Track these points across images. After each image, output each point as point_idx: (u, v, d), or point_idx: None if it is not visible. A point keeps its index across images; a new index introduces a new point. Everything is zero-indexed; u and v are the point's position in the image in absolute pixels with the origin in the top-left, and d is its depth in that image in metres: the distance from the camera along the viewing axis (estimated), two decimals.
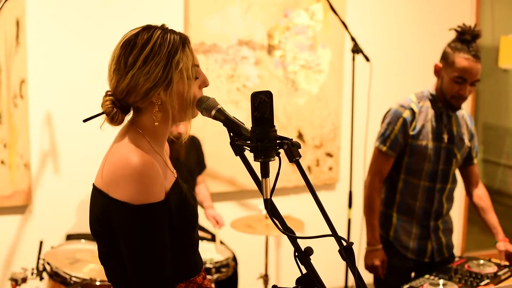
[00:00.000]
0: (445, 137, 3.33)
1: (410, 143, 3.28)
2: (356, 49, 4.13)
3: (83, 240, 3.82)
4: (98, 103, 4.49)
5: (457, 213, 5.74)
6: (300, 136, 4.99)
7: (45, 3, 4.17)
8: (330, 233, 1.70)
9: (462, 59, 3.17)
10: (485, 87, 6.24)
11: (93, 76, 4.32)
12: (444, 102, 3.30)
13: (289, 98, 4.89)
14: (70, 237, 4.26)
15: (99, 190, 1.84)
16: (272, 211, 1.73)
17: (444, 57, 3.28)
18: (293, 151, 1.66)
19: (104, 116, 1.91)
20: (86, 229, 4.26)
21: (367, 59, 4.13)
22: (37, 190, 4.29)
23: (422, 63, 5.46)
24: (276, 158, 1.70)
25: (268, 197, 1.69)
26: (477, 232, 6.20)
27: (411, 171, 3.33)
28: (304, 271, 1.72)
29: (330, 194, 5.19)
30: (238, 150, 1.77)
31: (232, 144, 1.78)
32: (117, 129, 1.96)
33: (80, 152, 4.33)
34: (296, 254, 1.71)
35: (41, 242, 3.57)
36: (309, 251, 1.70)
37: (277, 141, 1.67)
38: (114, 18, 4.35)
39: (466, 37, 3.20)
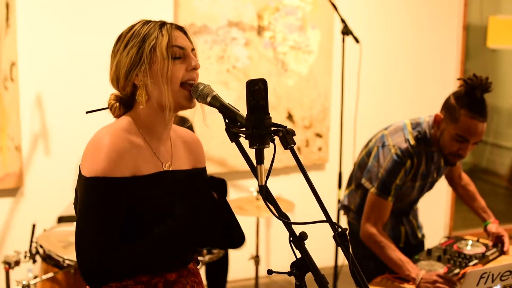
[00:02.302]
0: (434, 174, 3.22)
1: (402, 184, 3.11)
2: (346, 31, 4.14)
3: (75, 223, 3.83)
4: (88, 86, 4.50)
5: (445, 192, 5.78)
6: (289, 116, 5.01)
7: None
8: (323, 216, 1.73)
9: (468, 118, 2.87)
10: (473, 66, 6.28)
11: (83, 59, 4.32)
12: (439, 150, 3.07)
13: (279, 79, 4.91)
14: (61, 219, 4.27)
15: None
16: (267, 196, 1.75)
17: (448, 110, 2.98)
18: (287, 138, 1.68)
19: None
20: None
21: (357, 41, 4.15)
22: (28, 173, 4.30)
23: (411, 44, 5.49)
24: (271, 145, 1.72)
25: (263, 183, 1.72)
26: (464, 211, 6.24)
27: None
28: (299, 255, 1.74)
29: (319, 174, 5.22)
30: (233, 137, 1.79)
31: (228, 130, 1.80)
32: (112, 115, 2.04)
33: (71, 134, 4.33)
34: (291, 239, 1.73)
35: (33, 225, 3.58)
36: (303, 236, 1.72)
37: (272, 129, 1.70)
38: (104, 1, 4.34)
39: (475, 93, 2.88)
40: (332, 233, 4.20)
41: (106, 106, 2.03)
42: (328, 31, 5.05)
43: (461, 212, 6.20)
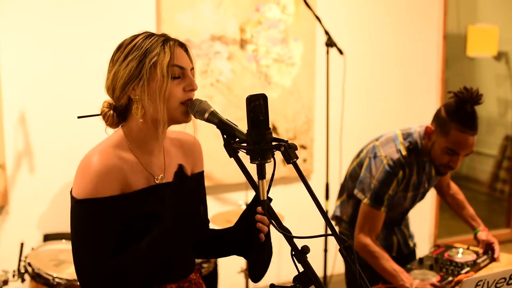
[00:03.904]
0: (426, 184, 3.25)
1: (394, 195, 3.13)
2: (330, 43, 4.16)
3: (63, 240, 3.81)
4: (71, 103, 4.47)
5: (429, 200, 5.83)
6: (274, 129, 5.01)
7: (17, 2, 4.13)
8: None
9: (458, 132, 2.89)
10: (452, 74, 6.35)
11: (67, 76, 4.30)
12: (430, 161, 3.11)
13: (262, 92, 4.91)
14: (47, 237, 4.24)
15: None
16: (268, 211, 1.76)
17: (439, 123, 2.99)
18: (290, 153, 1.68)
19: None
20: (64, 229, 4.25)
21: (341, 52, 4.17)
22: (13, 191, 4.26)
23: (393, 54, 5.53)
24: (271, 159, 1.73)
25: (265, 198, 1.72)
26: (448, 218, 6.30)
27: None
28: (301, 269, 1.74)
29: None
30: (232, 152, 1.79)
31: (226, 146, 1.80)
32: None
33: (55, 152, 4.30)
34: (293, 253, 1.73)
35: (22, 244, 3.55)
36: (305, 249, 1.72)
37: (274, 143, 1.70)
38: (88, 15, 4.32)
39: (466, 107, 2.90)
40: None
41: (99, 113, 2.01)
42: (310, 43, 5.07)
43: (444, 220, 6.24)
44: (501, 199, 7.07)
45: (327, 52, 4.24)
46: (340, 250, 1.68)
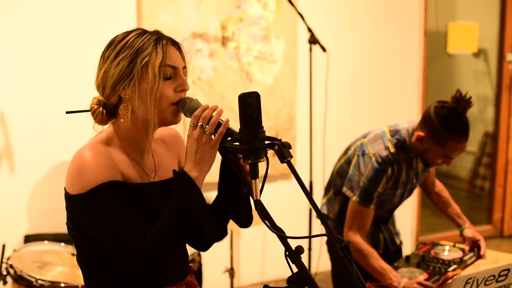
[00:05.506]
0: (414, 180, 3.27)
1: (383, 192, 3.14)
2: (313, 40, 4.14)
3: (46, 241, 3.75)
4: (53, 102, 4.39)
5: (411, 197, 5.82)
6: None
7: None
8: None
9: (455, 143, 2.93)
10: (432, 71, 6.36)
11: (48, 75, 4.24)
12: (419, 157, 3.14)
13: (244, 90, 4.84)
14: (28, 238, 4.18)
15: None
16: (261, 210, 1.74)
17: (432, 131, 2.98)
18: (284, 151, 1.67)
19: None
20: (44, 230, 4.20)
21: (324, 50, 4.15)
22: None
23: (375, 52, 5.53)
24: (264, 158, 1.71)
25: (258, 197, 1.70)
26: (428, 215, 6.33)
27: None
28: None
29: (287, 184, 5.19)
30: (224, 151, 1.77)
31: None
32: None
33: (35, 151, 4.24)
34: (287, 253, 1.71)
35: (3, 246, 3.49)
36: (300, 250, 1.71)
37: (267, 142, 1.68)
38: (67, 13, 4.27)
39: (459, 110, 2.91)
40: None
41: (88, 109, 1.94)
42: (292, 40, 5.05)
43: (426, 217, 6.26)
44: (481, 195, 7.10)
45: (310, 50, 4.22)
46: (335, 251, 1.67)
